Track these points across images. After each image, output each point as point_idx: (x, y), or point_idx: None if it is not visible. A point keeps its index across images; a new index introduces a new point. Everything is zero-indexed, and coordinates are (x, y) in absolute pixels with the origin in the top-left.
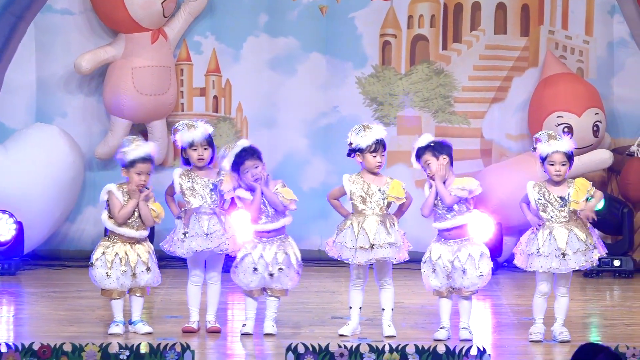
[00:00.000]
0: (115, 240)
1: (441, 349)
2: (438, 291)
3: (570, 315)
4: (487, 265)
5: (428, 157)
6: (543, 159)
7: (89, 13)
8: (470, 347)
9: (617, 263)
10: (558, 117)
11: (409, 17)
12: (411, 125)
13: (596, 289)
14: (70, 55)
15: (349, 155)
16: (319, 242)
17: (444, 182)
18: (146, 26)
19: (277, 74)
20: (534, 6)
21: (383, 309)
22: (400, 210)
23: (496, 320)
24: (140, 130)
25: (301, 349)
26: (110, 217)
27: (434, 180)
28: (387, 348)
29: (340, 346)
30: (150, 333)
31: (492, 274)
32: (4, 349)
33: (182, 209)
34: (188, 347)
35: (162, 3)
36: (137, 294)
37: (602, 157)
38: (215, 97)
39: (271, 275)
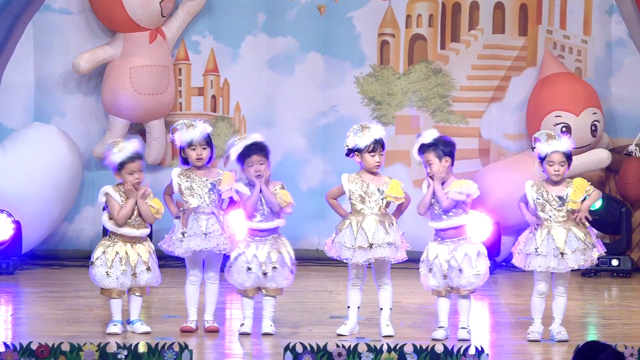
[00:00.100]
0: (115, 240)
1: (439, 348)
2: (436, 290)
3: (569, 314)
4: (484, 264)
5: (431, 156)
6: (542, 159)
7: (87, 12)
8: (469, 346)
9: (615, 262)
10: (556, 116)
11: (407, 16)
12: (409, 124)
13: (594, 288)
14: (69, 54)
15: (347, 155)
16: (317, 242)
17: (443, 183)
18: (144, 26)
19: (275, 74)
20: (532, 6)
21: (381, 309)
22: (399, 210)
23: (494, 320)
24: (139, 129)
25: (299, 349)
26: (111, 218)
27: (432, 179)
28: (385, 347)
29: (338, 346)
30: (148, 333)
31: (490, 273)
32: (2, 349)
33: (181, 209)
34: (186, 346)
35: (160, 2)
36: (137, 294)
37: (600, 157)
38: (213, 96)
39: (265, 274)
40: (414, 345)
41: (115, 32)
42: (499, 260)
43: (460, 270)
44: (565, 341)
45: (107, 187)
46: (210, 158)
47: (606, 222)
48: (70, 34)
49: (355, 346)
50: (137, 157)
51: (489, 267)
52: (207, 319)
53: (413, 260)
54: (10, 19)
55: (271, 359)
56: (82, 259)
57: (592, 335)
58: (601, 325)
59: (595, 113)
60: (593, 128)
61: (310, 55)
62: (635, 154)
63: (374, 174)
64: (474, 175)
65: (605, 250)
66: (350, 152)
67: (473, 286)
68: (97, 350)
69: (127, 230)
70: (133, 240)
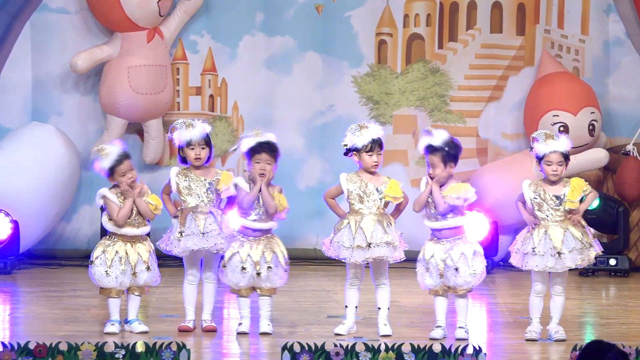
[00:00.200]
0: (115, 240)
1: (437, 348)
2: (433, 290)
3: (566, 314)
4: (480, 263)
5: (437, 160)
6: (540, 159)
7: (85, 12)
8: (466, 346)
9: (612, 262)
10: (554, 116)
11: (405, 16)
12: (407, 124)
13: (592, 287)
14: (66, 54)
15: (345, 154)
16: (314, 241)
17: (441, 185)
18: (142, 25)
19: (273, 73)
20: (530, 5)
21: (379, 308)
22: (398, 210)
23: (492, 319)
24: (137, 129)
25: (297, 348)
26: (110, 219)
27: (432, 179)
28: (382, 347)
29: (336, 345)
30: (146, 332)
31: (488, 272)
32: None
33: (179, 208)
34: (184, 346)
35: (158, 2)
36: (136, 293)
37: (597, 156)
38: (211, 96)
39: (259, 274)
40: (412, 345)
41: (113, 32)
42: (497, 259)
43: (456, 269)
44: (563, 340)
45: (103, 190)
46: (209, 158)
47: (604, 221)
48: (68, 33)
49: (353, 346)
50: (124, 157)
51: (487, 266)
52: (204, 318)
53: (411, 259)
54: (7, 19)
55: (269, 358)
56: (80, 258)
57: (589, 335)
58: (599, 325)
59: (593, 112)
60: (591, 127)
61: (308, 55)
62: (632, 154)
63: (372, 173)
64: (471, 175)
65: (602, 249)
66: (349, 151)
67: (470, 285)
68: (94, 350)
69: (127, 230)
70: (133, 239)
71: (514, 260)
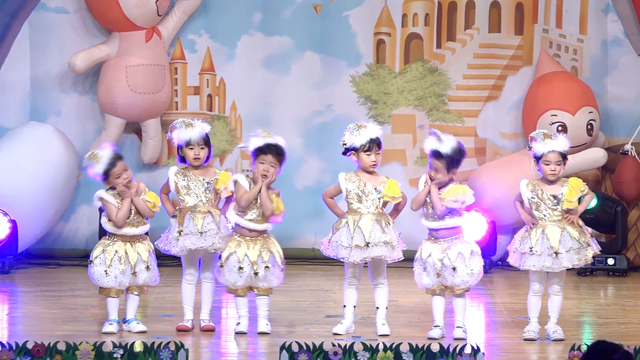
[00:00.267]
0: (115, 239)
1: (435, 347)
2: (430, 289)
3: (564, 313)
4: (477, 262)
5: (441, 166)
6: (538, 158)
7: (83, 12)
8: (464, 345)
9: (610, 261)
10: (552, 115)
11: (403, 15)
12: (405, 123)
13: (590, 287)
14: (65, 53)
15: (344, 153)
16: (313, 241)
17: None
18: (140, 25)
19: (271, 73)
20: (528, 5)
21: (377, 308)
22: (397, 210)
23: (490, 319)
24: (135, 128)
25: (295, 348)
26: (110, 220)
27: (432, 180)
28: (381, 347)
29: (334, 345)
30: (144, 332)
31: (486, 272)
32: None
33: (177, 208)
34: (182, 345)
35: (156, 2)
36: (135, 293)
37: (596, 156)
38: (209, 95)
39: (256, 274)
40: (410, 345)
41: (111, 31)
42: (495, 259)
43: (454, 269)
44: (561, 340)
45: (100, 192)
46: (208, 157)
47: (602, 221)
48: (66, 33)
49: (352, 345)
50: (116, 159)
51: (485, 266)
52: (203, 318)
53: (409, 259)
54: (6, 18)
55: (267, 358)
56: (78, 258)
57: (587, 334)
58: (597, 324)
59: (591, 112)
60: (589, 127)
61: (306, 55)
62: (631, 153)
63: (371, 173)
64: (470, 174)
65: (600, 249)
66: (347, 151)
67: (467, 285)
68: (93, 350)
69: (127, 230)
70: (133, 239)
71: (511, 260)
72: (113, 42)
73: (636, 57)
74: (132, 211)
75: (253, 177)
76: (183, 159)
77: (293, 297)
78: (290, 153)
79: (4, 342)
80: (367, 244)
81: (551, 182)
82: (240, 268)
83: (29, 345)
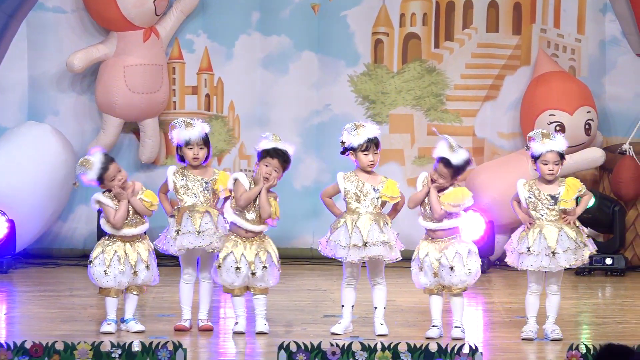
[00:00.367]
0: (114, 240)
1: (433, 347)
2: (428, 289)
3: (562, 313)
4: (475, 262)
5: (447, 174)
6: (536, 158)
7: (81, 11)
8: (462, 345)
9: (608, 261)
10: (550, 115)
11: (401, 15)
12: (403, 123)
13: (588, 287)
14: (63, 53)
15: (342, 153)
16: (311, 241)
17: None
18: (138, 24)
19: (269, 72)
20: (526, 4)
21: (375, 308)
22: (395, 210)
23: (488, 319)
24: (133, 128)
25: (293, 348)
26: (108, 222)
27: (433, 182)
28: (379, 346)
29: (332, 344)
30: (142, 331)
31: (484, 272)
32: None
33: (175, 207)
34: (180, 345)
35: (154, 1)
36: (134, 292)
37: (594, 156)
38: (207, 95)
39: (254, 274)
40: (408, 344)
41: (109, 31)
42: (493, 259)
43: (451, 268)
44: (559, 340)
45: (97, 195)
46: (207, 157)
47: (600, 220)
48: (64, 32)
49: (350, 345)
50: (108, 163)
51: (483, 265)
52: (201, 317)
53: (407, 259)
54: (4, 18)
55: (265, 358)
56: (76, 257)
57: (585, 334)
58: (595, 324)
59: (589, 112)
60: (587, 127)
61: (304, 54)
62: (629, 153)
63: (369, 172)
64: (468, 174)
65: (596, 248)
66: (345, 150)
67: (465, 284)
68: (91, 349)
69: (126, 231)
70: (133, 239)
71: (509, 260)
72: (111, 41)
73: (634, 57)
74: (130, 212)
75: (254, 178)
76: (182, 158)
77: (291, 296)
78: None
79: (2, 342)
80: (365, 244)
81: (549, 182)
82: (238, 268)
83: (27, 345)
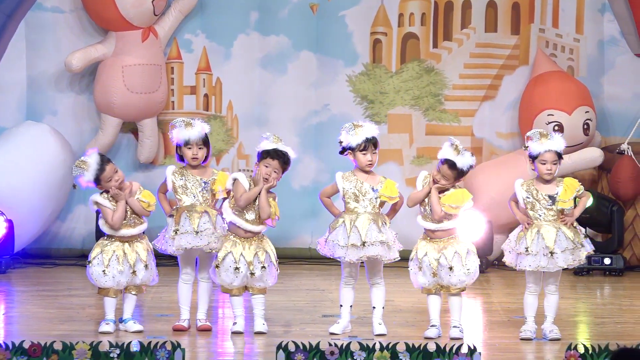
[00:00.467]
0: (113, 240)
1: (431, 347)
2: (426, 288)
3: (561, 313)
4: (474, 262)
5: (450, 176)
6: (534, 157)
7: (79, 11)
8: (461, 345)
9: (607, 261)
10: (548, 115)
11: (400, 15)
12: (402, 123)
13: (586, 287)
14: (61, 53)
15: (341, 153)
16: (309, 240)
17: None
18: (137, 24)
19: (267, 72)
20: (525, 4)
21: (374, 307)
22: (394, 210)
23: (487, 319)
24: (131, 128)
25: (292, 347)
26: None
27: (435, 182)
28: (377, 346)
29: (330, 344)
30: (140, 331)
31: (482, 272)
32: None
33: (174, 207)
34: (179, 345)
35: (152, 1)
36: (132, 292)
37: (592, 156)
38: (205, 95)
39: (252, 274)
40: (407, 344)
41: (107, 31)
42: (492, 258)
43: (450, 268)
44: (558, 340)
45: (94, 196)
46: (206, 157)
47: (598, 220)
48: (63, 32)
49: (348, 345)
50: (104, 164)
51: (481, 265)
52: (199, 317)
53: (406, 259)
54: (2, 18)
55: (264, 357)
56: (75, 257)
57: (584, 334)
58: (593, 324)
59: (588, 112)
60: (585, 127)
61: (302, 54)
62: (627, 153)
63: (368, 172)
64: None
65: (594, 249)
66: (344, 150)
67: (464, 284)
68: (89, 349)
69: (125, 231)
70: (132, 239)
71: (507, 260)
72: (109, 41)
73: (632, 57)
74: (128, 212)
75: (254, 178)
76: (181, 158)
77: (290, 296)
78: None
79: (1, 342)
80: (364, 244)
81: (546, 182)
82: (237, 268)
83: (26, 345)
